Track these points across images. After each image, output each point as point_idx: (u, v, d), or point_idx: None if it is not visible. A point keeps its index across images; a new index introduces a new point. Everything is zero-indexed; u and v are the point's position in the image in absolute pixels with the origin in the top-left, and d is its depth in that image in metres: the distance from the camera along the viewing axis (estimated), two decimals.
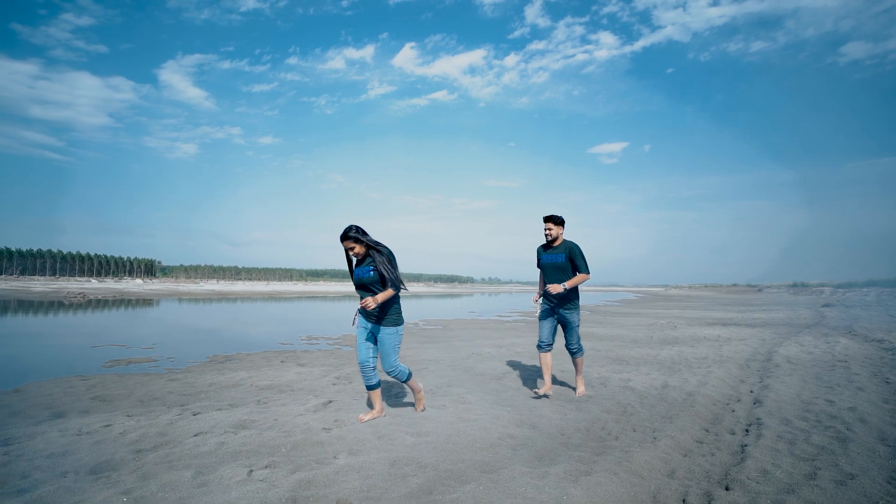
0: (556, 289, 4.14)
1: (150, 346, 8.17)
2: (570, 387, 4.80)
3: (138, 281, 62.52)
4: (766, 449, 2.99)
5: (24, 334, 9.95)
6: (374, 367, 3.55)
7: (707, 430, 3.51)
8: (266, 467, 2.60)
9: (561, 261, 4.28)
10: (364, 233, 3.45)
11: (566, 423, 3.60)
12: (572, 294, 4.34)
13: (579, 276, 4.27)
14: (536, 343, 4.40)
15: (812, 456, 2.85)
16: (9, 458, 2.73)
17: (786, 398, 4.28)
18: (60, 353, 7.40)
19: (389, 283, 3.40)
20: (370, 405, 3.85)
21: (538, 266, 4.51)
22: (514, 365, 6.16)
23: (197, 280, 79.60)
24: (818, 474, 2.55)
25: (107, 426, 3.35)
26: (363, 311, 3.50)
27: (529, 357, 6.77)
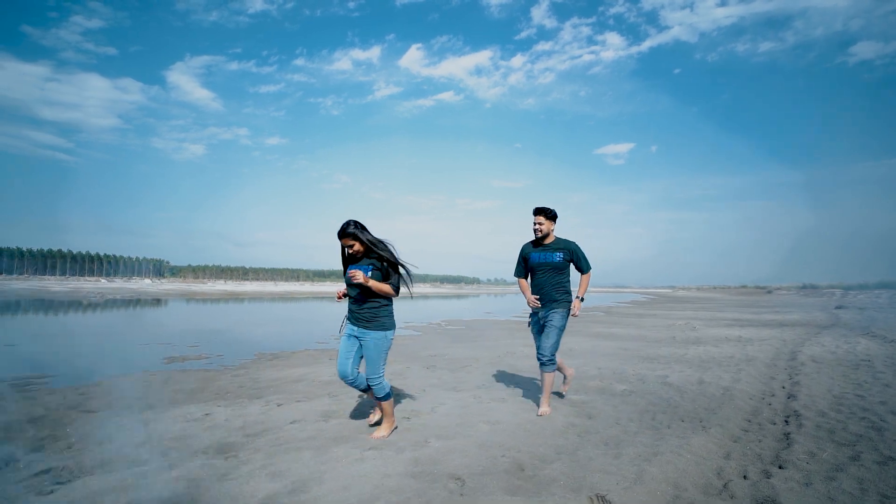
0: (578, 308, 3.91)
1: (195, 345, 8.55)
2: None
3: (147, 281, 63.30)
4: (808, 436, 3.31)
5: (69, 333, 10.37)
6: (355, 380, 3.22)
7: (749, 421, 3.83)
8: (372, 448, 2.95)
9: (558, 260, 3.93)
10: (363, 228, 3.18)
11: (619, 415, 3.94)
12: (563, 289, 3.96)
13: (586, 279, 3.96)
14: (537, 357, 3.93)
15: (852, 442, 3.17)
16: (140, 439, 3.10)
17: (817, 393, 4.60)
18: (114, 351, 7.80)
19: (392, 285, 3.18)
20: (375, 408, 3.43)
21: (526, 266, 4.06)
22: None
23: (205, 280, 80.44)
24: (861, 457, 2.87)
25: (207, 415, 3.71)
26: (350, 316, 3.25)
27: (561, 355, 7.09)
